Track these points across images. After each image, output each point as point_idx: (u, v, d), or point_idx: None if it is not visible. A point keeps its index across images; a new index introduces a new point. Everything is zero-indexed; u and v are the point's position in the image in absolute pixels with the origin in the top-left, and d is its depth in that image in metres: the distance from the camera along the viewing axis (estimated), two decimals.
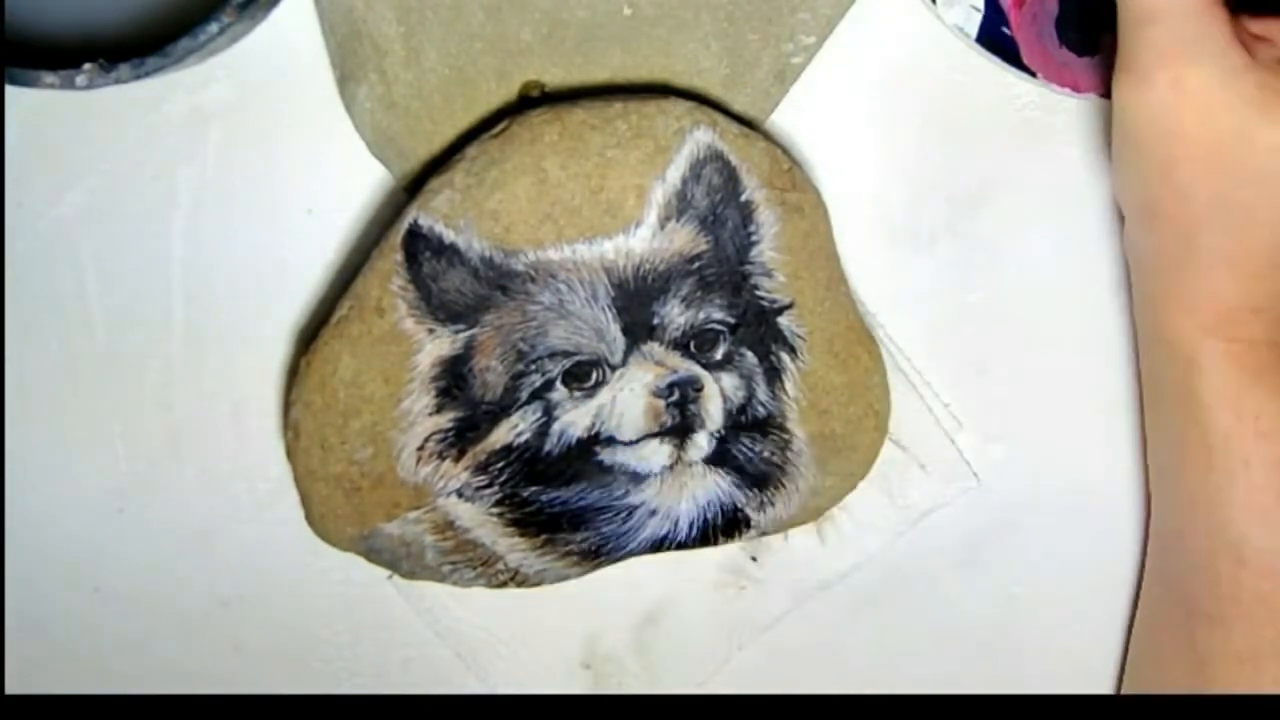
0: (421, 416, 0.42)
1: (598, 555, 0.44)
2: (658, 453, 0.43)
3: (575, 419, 0.42)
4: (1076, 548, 0.48)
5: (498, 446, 0.42)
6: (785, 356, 0.43)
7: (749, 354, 0.43)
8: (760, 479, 0.44)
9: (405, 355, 0.42)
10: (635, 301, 0.42)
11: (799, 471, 0.44)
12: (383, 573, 0.45)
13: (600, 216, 0.41)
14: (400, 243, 0.41)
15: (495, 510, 0.43)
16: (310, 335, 0.43)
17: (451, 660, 0.47)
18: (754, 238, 0.42)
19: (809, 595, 0.47)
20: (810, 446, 0.44)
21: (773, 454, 0.44)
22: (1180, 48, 0.37)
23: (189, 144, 0.44)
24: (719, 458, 0.43)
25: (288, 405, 0.43)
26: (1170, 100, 0.37)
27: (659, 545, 0.44)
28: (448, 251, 0.41)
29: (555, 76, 0.43)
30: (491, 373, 0.42)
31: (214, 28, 0.37)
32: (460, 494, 0.43)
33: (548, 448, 0.42)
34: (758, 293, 0.43)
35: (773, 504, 0.44)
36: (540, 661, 0.48)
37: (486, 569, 0.44)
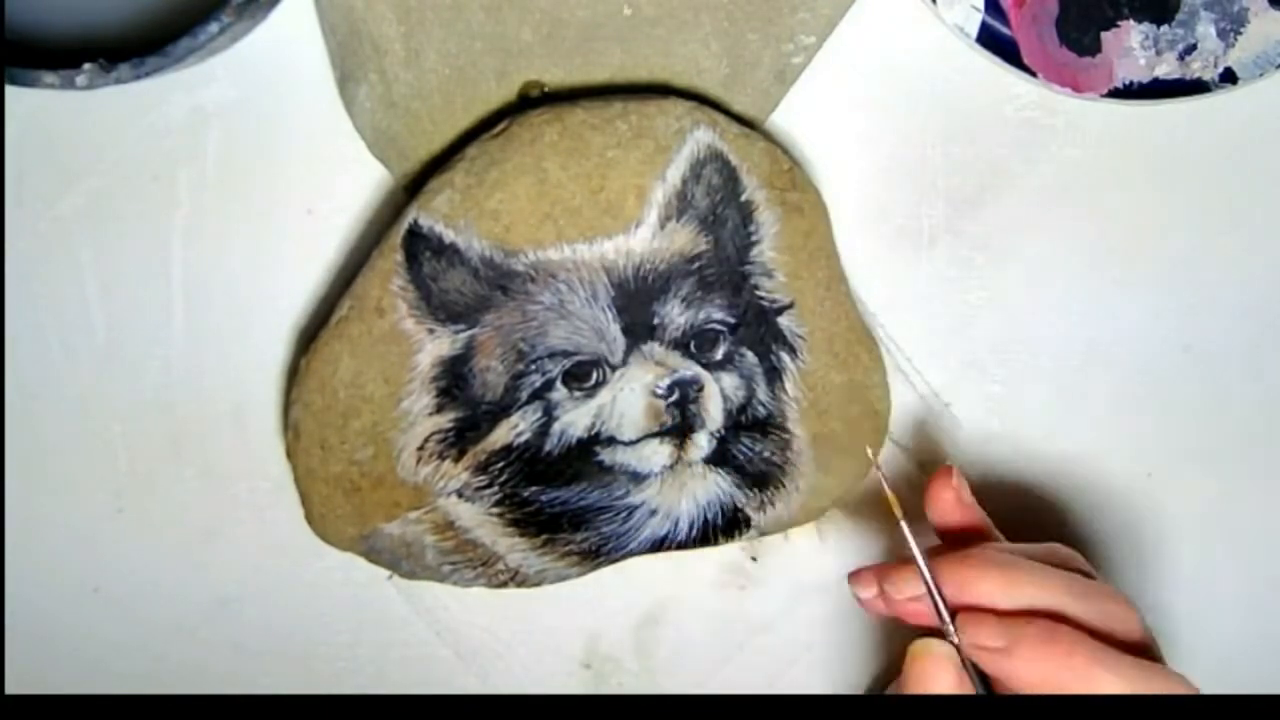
0: (421, 416, 0.42)
1: (598, 555, 0.44)
2: (658, 453, 0.43)
3: (575, 419, 0.42)
4: (1077, 548, 0.48)
5: (498, 446, 0.42)
6: (785, 356, 0.43)
7: (749, 354, 0.43)
8: (760, 479, 0.44)
9: (405, 355, 0.42)
10: (635, 301, 0.42)
11: (799, 471, 0.44)
12: (383, 573, 0.45)
13: (600, 216, 0.41)
14: (400, 243, 0.41)
15: (495, 510, 0.43)
16: (310, 335, 0.43)
17: (451, 660, 0.47)
18: (754, 238, 0.42)
19: (809, 595, 0.47)
20: (810, 446, 0.44)
21: (773, 454, 0.44)
22: None
23: (189, 144, 0.44)
24: (719, 458, 0.43)
25: (288, 405, 0.43)
26: None
27: (659, 545, 0.44)
28: (448, 251, 0.41)
29: (555, 76, 0.43)
30: (491, 373, 0.42)
31: (214, 28, 0.37)
32: (460, 494, 0.43)
33: (548, 448, 0.42)
34: (758, 293, 0.43)
35: (773, 504, 0.44)
36: (540, 661, 0.48)
37: (486, 569, 0.44)
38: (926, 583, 0.38)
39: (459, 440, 0.42)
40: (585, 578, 0.45)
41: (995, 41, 0.43)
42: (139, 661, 0.47)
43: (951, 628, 0.38)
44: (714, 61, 0.43)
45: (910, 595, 0.39)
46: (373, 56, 0.42)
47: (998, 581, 0.37)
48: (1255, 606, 0.49)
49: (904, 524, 0.39)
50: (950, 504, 0.41)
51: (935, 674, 0.37)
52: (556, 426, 0.42)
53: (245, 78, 0.43)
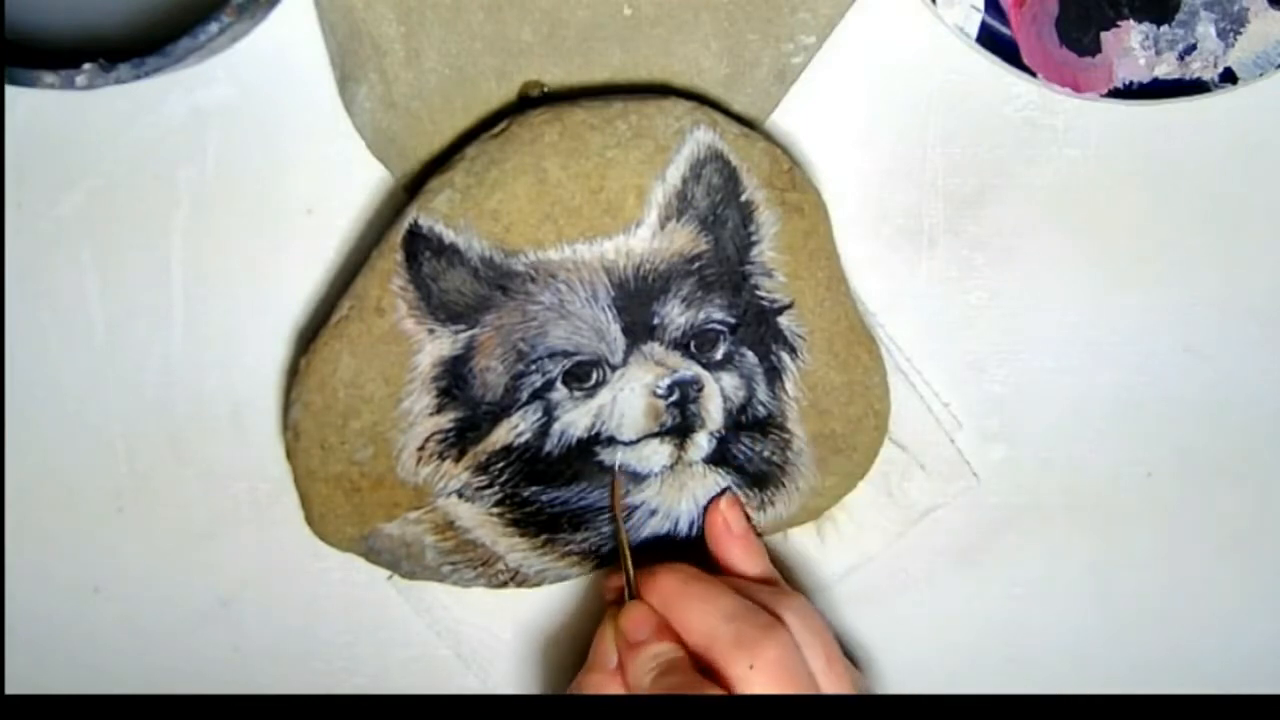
0: (422, 417, 0.42)
1: (598, 555, 0.44)
2: (658, 453, 0.43)
3: (575, 419, 0.42)
4: (1076, 548, 0.48)
5: (498, 446, 0.42)
6: (785, 356, 0.43)
7: (749, 354, 0.43)
8: (760, 479, 0.44)
9: (405, 355, 0.42)
10: (635, 301, 0.42)
11: (799, 471, 0.44)
12: (383, 573, 0.45)
13: (600, 216, 0.41)
14: (400, 243, 0.41)
15: (495, 510, 0.43)
16: (310, 335, 0.43)
17: (451, 660, 0.47)
18: (754, 238, 0.42)
19: (808, 595, 0.47)
20: (810, 446, 0.44)
21: (773, 454, 0.44)
22: None
23: (189, 144, 0.44)
24: (719, 458, 0.43)
25: (288, 405, 0.43)
26: None
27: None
28: (448, 251, 0.41)
29: (555, 76, 0.43)
30: (492, 373, 0.42)
31: (214, 28, 0.37)
32: (460, 494, 0.43)
33: (548, 448, 0.42)
34: (758, 293, 0.43)
35: (773, 504, 0.44)
36: (540, 662, 0.48)
37: (486, 569, 0.44)
38: (625, 569, 0.42)
39: (459, 440, 0.42)
40: (585, 578, 0.45)
41: (995, 41, 0.43)
42: (139, 661, 0.47)
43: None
44: (714, 61, 0.43)
45: (615, 585, 0.44)
46: (373, 56, 0.42)
47: (673, 589, 0.41)
48: (1256, 607, 0.49)
49: (619, 518, 0.43)
50: (719, 531, 0.44)
51: (605, 638, 0.42)
52: (557, 426, 0.42)
53: (245, 78, 0.43)
